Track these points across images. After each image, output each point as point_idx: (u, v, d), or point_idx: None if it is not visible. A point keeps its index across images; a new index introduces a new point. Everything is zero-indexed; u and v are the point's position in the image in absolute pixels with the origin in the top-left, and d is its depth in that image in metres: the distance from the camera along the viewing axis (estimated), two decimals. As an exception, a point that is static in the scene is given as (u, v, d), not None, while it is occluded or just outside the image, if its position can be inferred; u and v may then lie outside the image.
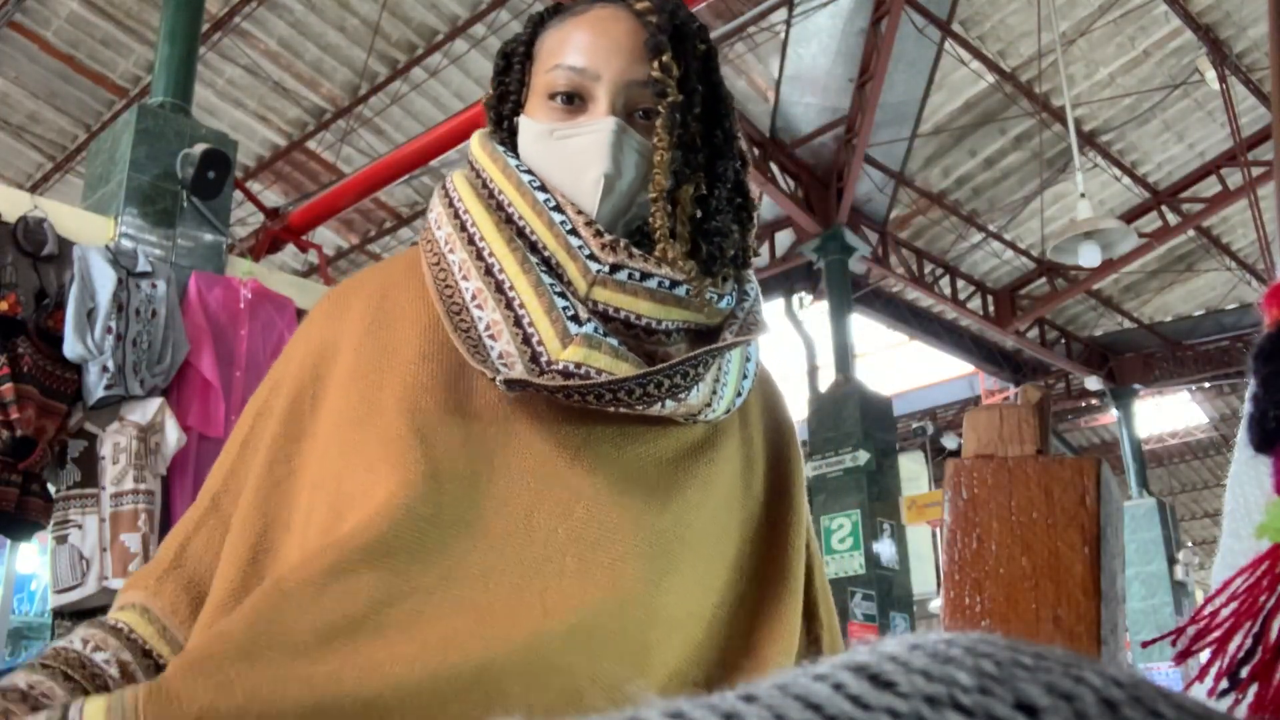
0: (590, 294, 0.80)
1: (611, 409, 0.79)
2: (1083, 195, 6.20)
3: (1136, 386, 11.75)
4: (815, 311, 9.46)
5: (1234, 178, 8.79)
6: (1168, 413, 14.46)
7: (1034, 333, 11.09)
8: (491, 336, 0.80)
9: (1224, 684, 0.48)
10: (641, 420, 0.81)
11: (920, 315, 10.87)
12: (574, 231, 0.82)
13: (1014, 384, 11.79)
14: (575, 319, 0.80)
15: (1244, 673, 0.48)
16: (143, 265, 3.54)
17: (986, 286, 10.57)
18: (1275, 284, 0.57)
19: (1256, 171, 8.24)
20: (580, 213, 0.83)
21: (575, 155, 0.84)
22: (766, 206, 9.28)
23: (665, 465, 0.82)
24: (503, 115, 0.93)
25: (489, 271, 0.82)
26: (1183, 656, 0.51)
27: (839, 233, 8.55)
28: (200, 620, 0.80)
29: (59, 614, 3.27)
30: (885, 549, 7.89)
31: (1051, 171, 8.90)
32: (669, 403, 0.79)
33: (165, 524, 3.41)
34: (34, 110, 8.05)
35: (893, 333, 11.37)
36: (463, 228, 0.86)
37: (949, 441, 12.42)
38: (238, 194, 4.50)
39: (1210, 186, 9.12)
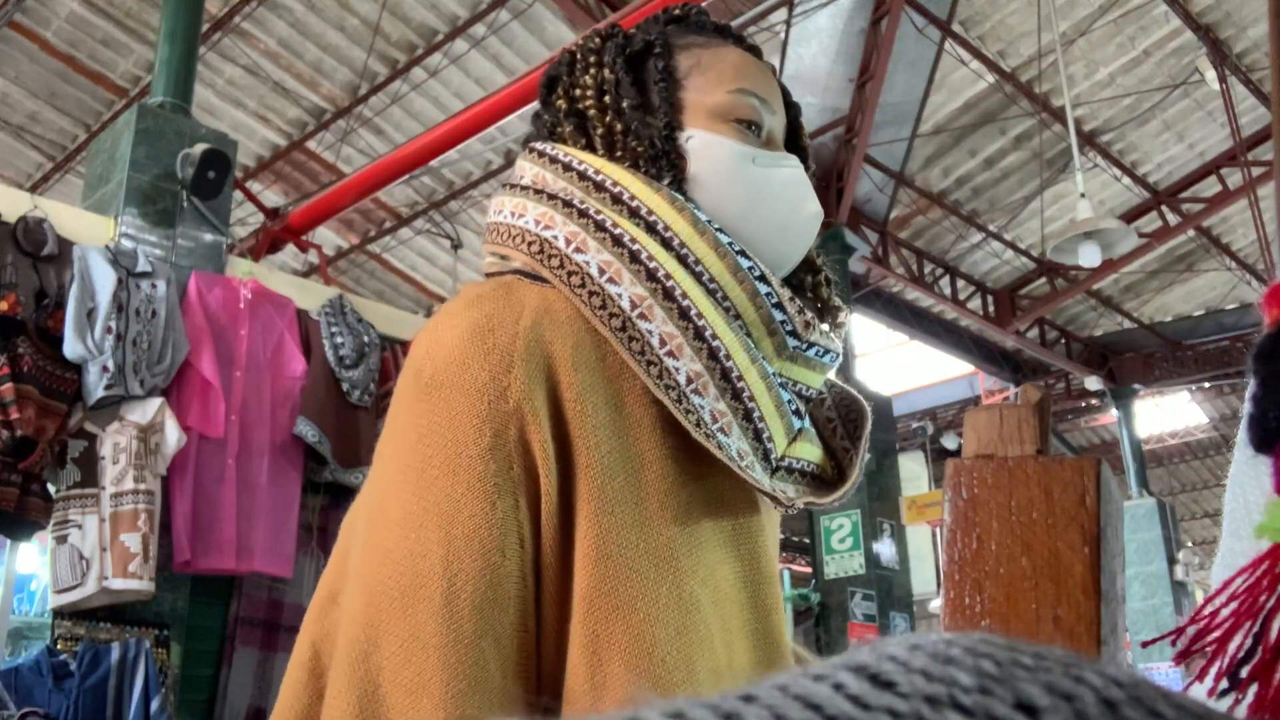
0: (780, 369, 0.77)
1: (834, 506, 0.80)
2: (1083, 195, 6.20)
3: (1136, 386, 11.75)
4: (815, 311, 9.45)
5: (1234, 178, 8.79)
6: (1168, 413, 14.46)
7: (1034, 333, 11.09)
8: (721, 430, 0.71)
9: (1224, 684, 0.48)
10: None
11: (920, 315, 10.87)
12: (779, 306, 0.75)
13: (1014, 384, 11.79)
14: (797, 413, 0.76)
15: (1244, 673, 0.48)
16: (143, 265, 3.54)
17: (986, 286, 10.57)
18: (1275, 284, 0.57)
19: (1256, 171, 8.24)
20: (783, 287, 0.77)
21: (786, 187, 0.80)
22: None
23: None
24: (612, 131, 0.79)
25: (713, 356, 0.71)
26: (1183, 656, 0.51)
27: (839, 233, 8.55)
28: None
29: (59, 614, 3.27)
30: (885, 549, 7.89)
31: (1051, 171, 8.90)
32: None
33: (165, 524, 3.42)
34: (34, 110, 8.04)
35: (893, 333, 11.36)
36: (667, 295, 0.71)
37: (949, 441, 12.42)
38: (238, 194, 4.50)
39: (1210, 186, 9.12)
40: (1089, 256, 6.04)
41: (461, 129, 4.79)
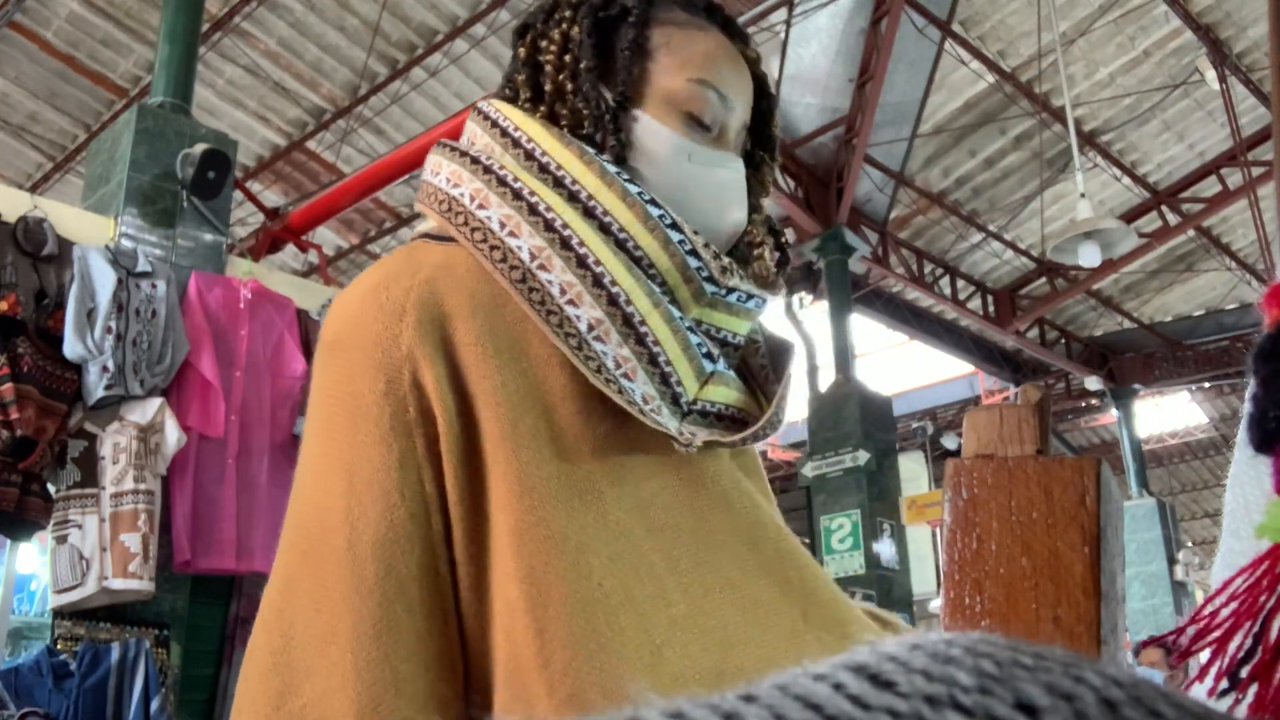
0: (698, 316, 0.78)
1: (748, 445, 0.79)
2: (1083, 195, 6.20)
3: (1136, 386, 11.75)
4: (815, 311, 9.46)
5: (1234, 178, 8.79)
6: (1168, 413, 14.46)
7: (1034, 333, 11.09)
8: (625, 375, 0.72)
9: (1224, 684, 0.48)
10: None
11: (920, 315, 10.87)
12: (693, 252, 0.76)
13: (1014, 384, 11.79)
14: (709, 356, 0.77)
15: (1244, 673, 0.48)
16: (143, 265, 3.54)
17: (986, 286, 10.57)
18: (1275, 284, 0.57)
19: (1256, 171, 8.24)
20: (697, 232, 0.77)
21: (719, 189, 0.81)
22: (766, 206, 9.28)
23: (743, 481, 0.83)
24: (563, 96, 0.80)
25: (613, 302, 0.72)
26: (1183, 656, 0.51)
27: (839, 233, 8.55)
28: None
29: (59, 614, 3.27)
30: (885, 549, 7.89)
31: (1051, 171, 8.90)
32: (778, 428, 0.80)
33: (165, 524, 3.42)
34: (34, 110, 8.04)
35: (893, 333, 11.37)
36: (564, 245, 0.73)
37: (949, 441, 12.42)
38: (238, 194, 4.50)
39: (1210, 186, 9.13)
40: (1089, 256, 6.04)
41: (461, 129, 4.78)
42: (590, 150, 0.77)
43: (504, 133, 0.80)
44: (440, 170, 0.80)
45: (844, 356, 8.44)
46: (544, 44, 0.82)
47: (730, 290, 0.78)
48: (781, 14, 7.21)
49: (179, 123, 4.01)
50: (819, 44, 7.55)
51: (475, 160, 0.78)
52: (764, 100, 0.87)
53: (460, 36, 7.42)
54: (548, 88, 0.81)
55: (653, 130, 0.79)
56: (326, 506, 0.69)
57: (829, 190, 8.59)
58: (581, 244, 0.73)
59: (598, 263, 0.73)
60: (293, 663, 0.66)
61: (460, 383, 0.71)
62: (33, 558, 6.17)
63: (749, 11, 7.10)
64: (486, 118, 0.82)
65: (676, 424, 0.74)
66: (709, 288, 0.77)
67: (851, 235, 8.68)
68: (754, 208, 0.86)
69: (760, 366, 0.85)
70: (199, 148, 3.84)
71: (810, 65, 7.74)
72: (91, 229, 3.63)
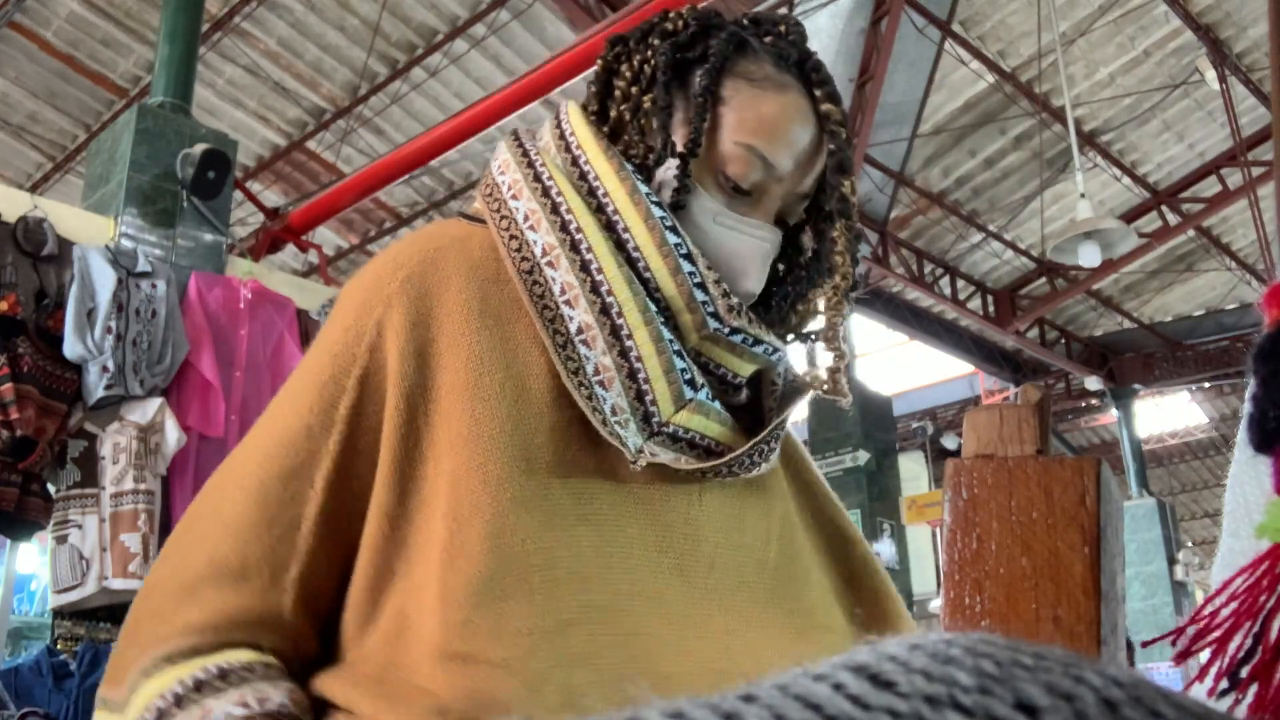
0: (698, 347, 0.78)
1: (727, 478, 0.79)
2: (1083, 195, 6.20)
3: (1137, 386, 11.75)
4: (815, 311, 9.45)
5: (1234, 178, 8.78)
6: (1168, 413, 14.46)
7: (1034, 333, 11.09)
8: (601, 384, 0.74)
9: (1224, 684, 0.48)
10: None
11: (920, 315, 10.87)
12: (702, 286, 0.77)
13: (1014, 384, 11.79)
14: (691, 383, 0.77)
15: (1244, 673, 0.48)
16: (143, 265, 3.54)
17: (986, 286, 10.57)
18: (1275, 284, 0.57)
19: (1257, 171, 8.24)
20: (711, 268, 0.78)
21: (734, 255, 0.80)
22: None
23: (750, 511, 0.82)
24: (623, 124, 0.82)
25: (605, 311, 0.74)
26: (1183, 656, 0.51)
27: (839, 233, 8.54)
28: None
29: (59, 614, 3.27)
30: (885, 549, 7.89)
31: (1051, 171, 8.90)
32: (764, 465, 0.80)
33: (165, 524, 3.41)
34: (34, 110, 8.04)
35: (893, 333, 11.36)
36: (573, 247, 0.75)
37: (949, 441, 12.42)
38: (238, 194, 4.50)
39: (1210, 186, 9.12)
40: (1089, 257, 6.04)
41: (461, 129, 4.79)
42: (629, 167, 0.79)
43: (562, 135, 0.83)
44: (499, 156, 0.84)
45: (848, 356, 8.43)
46: (623, 68, 0.84)
47: (735, 331, 0.78)
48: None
49: (179, 123, 4.01)
50: (819, 44, 7.54)
51: (525, 153, 0.82)
52: (835, 159, 0.83)
53: (460, 36, 7.42)
54: (613, 113, 0.83)
55: (694, 190, 0.80)
56: (251, 442, 0.77)
57: (829, 190, 8.58)
58: (590, 249, 0.75)
59: (600, 270, 0.75)
60: (186, 542, 0.74)
61: (430, 333, 0.74)
62: (33, 558, 6.17)
63: (749, 12, 7.09)
64: (557, 116, 0.85)
65: (640, 441, 0.74)
66: (712, 323, 0.77)
67: (851, 235, 8.66)
68: (797, 267, 0.87)
69: (770, 409, 0.85)
70: (199, 148, 3.84)
71: (810, 65, 7.73)
72: (91, 229, 3.62)
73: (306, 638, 0.73)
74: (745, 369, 0.82)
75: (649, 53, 0.82)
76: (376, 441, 0.73)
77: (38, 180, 8.52)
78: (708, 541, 0.77)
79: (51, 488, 3.29)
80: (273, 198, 7.57)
